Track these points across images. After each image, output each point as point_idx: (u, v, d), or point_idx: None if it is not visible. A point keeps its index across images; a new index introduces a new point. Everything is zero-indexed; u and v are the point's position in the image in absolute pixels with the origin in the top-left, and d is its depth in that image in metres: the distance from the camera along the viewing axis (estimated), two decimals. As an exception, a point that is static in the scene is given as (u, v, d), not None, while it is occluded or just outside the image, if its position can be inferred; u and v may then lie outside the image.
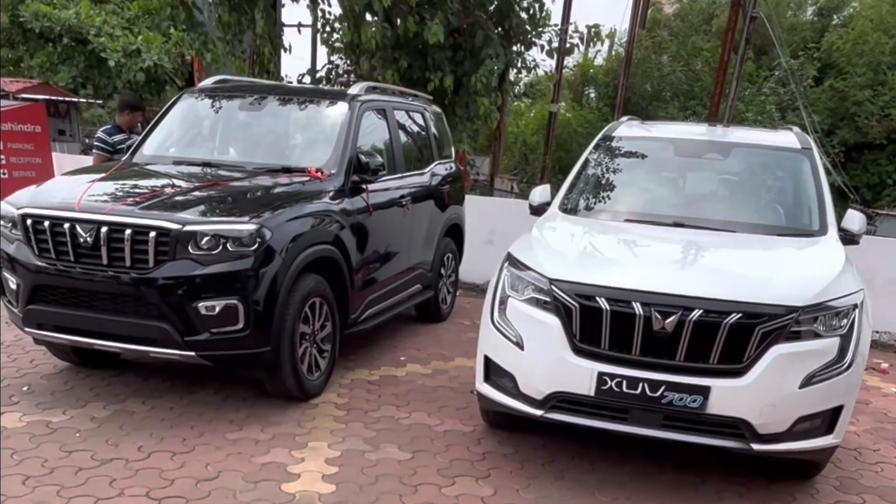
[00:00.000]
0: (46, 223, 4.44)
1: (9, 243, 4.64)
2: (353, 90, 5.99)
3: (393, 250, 6.01)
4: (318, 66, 16.96)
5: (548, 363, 3.80)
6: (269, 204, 4.63)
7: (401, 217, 6.14)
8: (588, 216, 4.65)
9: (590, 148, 5.21)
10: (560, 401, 3.81)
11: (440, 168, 7.09)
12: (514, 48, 11.69)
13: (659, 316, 3.57)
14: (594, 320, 3.69)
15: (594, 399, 3.72)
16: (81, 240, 4.36)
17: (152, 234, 4.28)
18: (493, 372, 4.12)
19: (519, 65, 12.23)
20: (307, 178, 5.13)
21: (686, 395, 3.58)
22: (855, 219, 4.49)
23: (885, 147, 16.16)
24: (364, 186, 5.50)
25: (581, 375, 3.71)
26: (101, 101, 20.84)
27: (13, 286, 4.64)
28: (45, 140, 11.16)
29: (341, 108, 5.74)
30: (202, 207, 4.46)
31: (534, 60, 12.37)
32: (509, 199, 9.84)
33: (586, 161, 5.09)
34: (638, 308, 3.59)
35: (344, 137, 5.50)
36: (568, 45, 13.28)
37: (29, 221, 4.50)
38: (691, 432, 3.67)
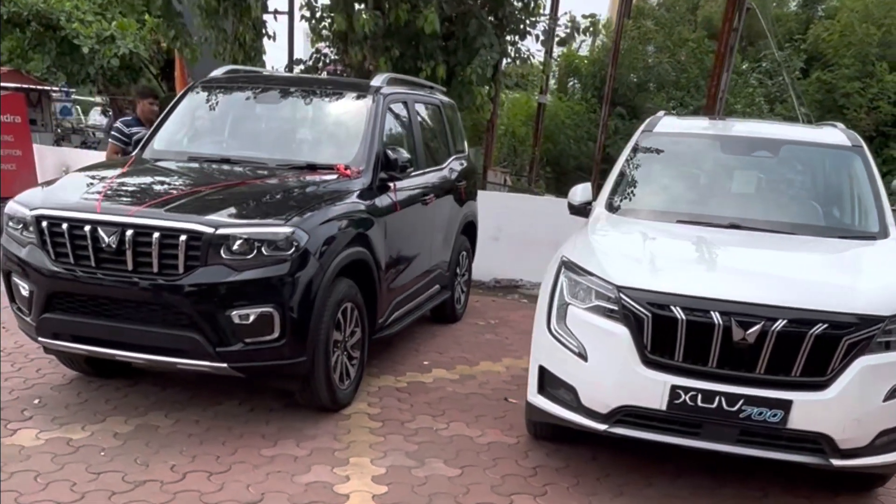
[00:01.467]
0: (64, 226, 4.13)
1: (20, 246, 4.32)
2: (376, 82, 5.72)
3: (417, 250, 5.78)
4: (296, 55, 16.61)
5: (615, 376, 3.60)
6: (303, 205, 4.37)
7: (424, 215, 5.90)
8: (638, 217, 4.43)
9: (631, 144, 4.99)
10: (627, 415, 3.61)
11: (456, 163, 6.85)
12: (508, 38, 11.48)
13: (740, 326, 3.37)
14: (667, 330, 3.48)
15: (665, 413, 3.52)
16: (104, 244, 4.05)
17: (183, 237, 3.99)
18: (549, 383, 3.91)
19: (513, 55, 12.01)
20: (336, 176, 4.86)
21: (766, 410, 3.40)
22: None
23: (873, 139, 16.24)
24: (392, 184, 5.25)
25: (652, 389, 3.51)
26: (74, 90, 20.18)
27: (25, 293, 4.32)
28: (25, 131, 10.73)
29: (365, 100, 5.47)
30: (234, 209, 4.18)
31: (528, 50, 12.17)
32: (514, 195, 9.65)
33: (630, 158, 4.87)
34: (717, 318, 3.40)
35: (370, 132, 5.24)
36: (564, 35, 13.09)
37: (44, 224, 4.18)
38: (768, 448, 3.49)
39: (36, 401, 4.58)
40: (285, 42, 14.24)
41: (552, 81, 17.75)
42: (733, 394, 3.42)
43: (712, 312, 3.42)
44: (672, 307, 3.47)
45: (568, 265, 3.93)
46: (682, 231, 4.24)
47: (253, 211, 4.21)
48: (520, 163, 17.86)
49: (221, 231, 4.01)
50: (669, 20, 20.06)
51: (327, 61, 11.78)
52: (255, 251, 4.05)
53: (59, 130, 21.49)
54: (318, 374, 4.40)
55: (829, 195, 4.65)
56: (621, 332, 3.57)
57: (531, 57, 13.41)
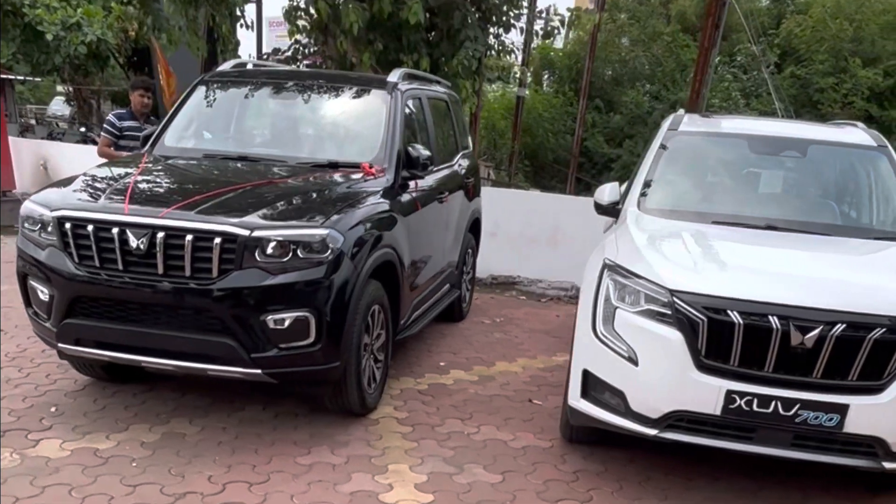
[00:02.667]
0: (90, 227, 3.96)
1: (38, 249, 4.14)
2: (393, 78, 5.61)
3: (434, 249, 5.71)
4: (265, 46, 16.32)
5: (668, 381, 3.57)
6: (336, 205, 4.26)
7: (440, 213, 5.82)
8: (672, 218, 4.40)
9: (657, 143, 4.94)
10: (678, 420, 3.58)
11: (464, 160, 6.79)
12: (492, 30, 11.41)
13: (798, 331, 3.36)
14: (723, 335, 3.46)
15: (718, 418, 3.50)
16: (133, 247, 3.90)
17: (217, 240, 3.86)
18: (594, 388, 3.87)
19: (498, 48, 11.94)
20: (361, 175, 4.76)
21: (822, 414, 3.40)
22: None
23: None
24: (413, 182, 5.16)
25: (706, 393, 3.49)
26: (39, 79, 19.61)
27: (44, 297, 4.15)
28: (1, 123, 10.39)
29: (382, 96, 5.36)
30: (267, 211, 4.05)
31: (513, 43, 12.12)
32: (512, 191, 9.61)
33: (657, 157, 4.83)
34: (775, 322, 3.38)
35: (391, 130, 5.14)
36: (550, 28, 13.08)
37: (68, 225, 4.01)
38: (821, 452, 3.50)
39: (53, 409, 4.41)
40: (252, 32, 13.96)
41: (527, 75, 17.70)
42: (790, 398, 3.41)
43: (770, 317, 3.40)
44: (729, 311, 3.45)
45: (612, 268, 3.88)
46: (723, 233, 4.22)
47: (287, 212, 4.09)
48: (499, 156, 17.82)
49: (257, 233, 3.89)
50: (644, 13, 20.17)
51: (307, 52, 11.58)
52: (290, 254, 3.94)
53: (22, 121, 20.88)
54: (349, 379, 4.30)
55: (858, 196, 4.68)
56: (674, 336, 3.54)
57: (515, 50, 13.39)
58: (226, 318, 3.91)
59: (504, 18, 11.25)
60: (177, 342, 4.00)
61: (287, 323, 3.95)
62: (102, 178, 4.54)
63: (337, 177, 4.70)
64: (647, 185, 4.73)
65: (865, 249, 4.14)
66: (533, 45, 17.24)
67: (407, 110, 5.45)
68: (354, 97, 5.53)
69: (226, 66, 5.98)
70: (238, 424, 4.36)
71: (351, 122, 5.45)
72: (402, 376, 5.29)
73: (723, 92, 16.30)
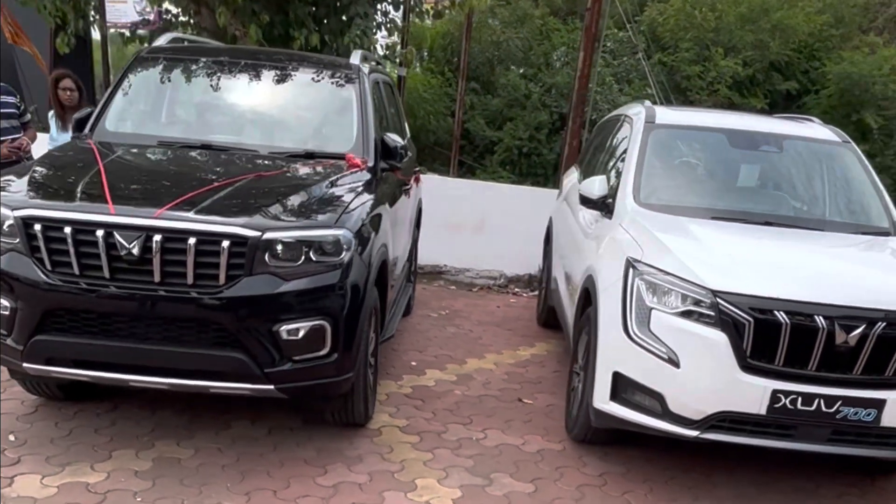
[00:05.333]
0: (67, 230, 3.43)
1: None
2: (355, 60, 5.27)
3: (402, 243, 5.45)
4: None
5: (712, 382, 3.55)
6: (339, 202, 3.93)
7: (406, 205, 5.57)
8: (672, 213, 4.38)
9: (637, 136, 4.88)
10: (721, 420, 3.58)
11: (409, 147, 6.52)
12: (380, 7, 11.12)
13: (843, 330, 3.43)
14: (769, 335, 3.48)
15: (762, 417, 3.53)
16: (124, 251, 3.42)
17: (225, 243, 3.45)
18: (625, 390, 3.80)
19: (387, 25, 11.66)
20: (346, 167, 4.43)
21: (861, 410, 3.50)
22: None
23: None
24: (393, 174, 4.89)
25: (752, 394, 3.50)
26: None
27: (2, 311, 3.56)
28: None
29: (350, 81, 5.03)
30: (273, 209, 3.68)
31: (403, 21, 11.88)
32: (434, 176, 9.34)
33: (642, 150, 4.78)
34: (821, 322, 3.43)
35: (364, 117, 4.83)
36: (441, 8, 12.91)
37: (37, 227, 3.45)
38: (856, 445, 3.61)
39: (11, 437, 3.83)
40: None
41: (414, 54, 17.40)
42: (832, 395, 3.48)
43: (816, 317, 3.45)
44: (776, 312, 3.46)
45: (641, 267, 3.80)
46: (734, 229, 4.24)
47: (295, 211, 3.74)
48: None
49: (269, 235, 3.51)
50: (515, -5, 20.39)
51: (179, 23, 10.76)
52: (303, 257, 3.59)
53: None
54: (357, 390, 4.02)
55: (836, 190, 4.86)
56: (719, 337, 3.52)
57: (407, 28, 13.12)
58: (236, 330, 3.52)
59: (393, -5, 10.99)
60: (176, 358, 3.55)
61: (301, 333, 3.60)
62: (60, 171, 3.97)
63: (324, 169, 4.35)
64: (637, 178, 4.67)
65: (870, 245, 4.30)
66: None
67: (371, 96, 5.14)
68: (318, 80, 5.13)
69: (162, 41, 5.41)
70: (232, 444, 3.96)
71: (320, 109, 5.07)
72: (382, 379, 5.01)
73: (597, 77, 16.67)
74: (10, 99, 6.06)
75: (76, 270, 3.46)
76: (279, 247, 3.53)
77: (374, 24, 10.63)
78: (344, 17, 9.66)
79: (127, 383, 3.68)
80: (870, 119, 15.46)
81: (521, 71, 18.58)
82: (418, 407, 4.64)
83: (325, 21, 9.68)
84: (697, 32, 17.22)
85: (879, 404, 3.50)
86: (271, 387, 3.62)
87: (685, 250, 3.87)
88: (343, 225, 3.74)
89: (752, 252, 4.02)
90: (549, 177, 16.04)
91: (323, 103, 5.07)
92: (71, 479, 3.48)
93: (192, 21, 9.95)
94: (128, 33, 10.40)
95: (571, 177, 6.64)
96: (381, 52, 12.13)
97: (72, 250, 3.44)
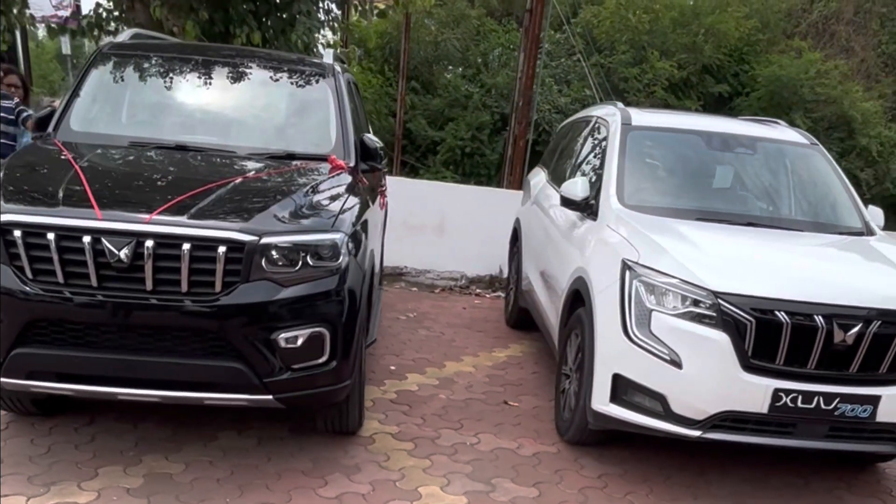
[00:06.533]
0: (50, 236, 3.23)
1: None
2: (328, 59, 5.16)
3: (378, 245, 5.35)
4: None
5: (715, 382, 3.58)
6: (331, 205, 3.83)
7: (379, 208, 5.47)
8: (658, 214, 4.40)
9: (616, 138, 4.88)
10: (723, 420, 3.61)
11: (377, 147, 6.42)
12: (323, 6, 10.97)
13: (841, 329, 3.50)
14: (771, 335, 3.53)
15: (765, 416, 3.58)
16: (113, 259, 3.24)
17: (221, 249, 3.30)
18: (625, 392, 3.80)
19: (330, 23, 11.51)
20: (331, 169, 4.32)
21: (857, 406, 3.58)
22: (879, 216, 4.77)
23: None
24: (373, 176, 4.79)
25: (754, 393, 3.55)
26: None
27: (-23, 323, 3.34)
28: None
29: (325, 80, 4.93)
30: (268, 213, 3.54)
31: (347, 19, 11.76)
32: (392, 178, 9.20)
33: (622, 152, 4.79)
34: (820, 321, 3.50)
35: (343, 117, 4.74)
36: (384, 8, 12.83)
37: (17, 233, 3.24)
38: (852, 441, 3.70)
39: (-15, 457, 3.59)
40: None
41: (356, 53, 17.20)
42: (830, 393, 3.56)
43: (816, 316, 3.51)
44: (777, 312, 3.51)
45: (639, 269, 3.81)
46: (722, 230, 4.29)
47: (291, 214, 3.61)
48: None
49: (267, 240, 3.38)
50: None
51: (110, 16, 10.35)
52: (300, 262, 3.47)
53: None
54: (353, 397, 3.92)
55: (809, 192, 4.97)
56: (721, 338, 3.55)
57: (352, 27, 12.96)
58: (234, 340, 3.37)
59: (337, -7, 10.85)
60: (169, 369, 3.38)
61: (300, 341, 3.47)
62: (34, 174, 3.74)
63: (309, 171, 4.23)
64: (620, 180, 4.68)
65: (852, 245, 4.41)
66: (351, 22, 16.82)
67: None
68: (293, 79, 5.00)
69: (124, 37, 5.18)
70: (223, 457, 3.80)
71: (296, 108, 4.93)
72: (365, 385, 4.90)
73: (535, 78, 16.79)
74: (7, 104, 5.81)
75: (60, 279, 3.27)
76: (277, 252, 3.41)
77: (318, 22, 10.47)
78: (286, 16, 9.47)
79: (115, 397, 3.48)
80: (799, 120, 15.98)
81: (460, 71, 18.62)
82: (406, 412, 4.55)
83: (267, 19, 9.46)
84: (632, 35, 17.54)
85: (875, 400, 3.58)
86: (270, 397, 3.49)
87: (681, 251, 3.89)
88: (339, 228, 3.64)
89: (745, 253, 4.07)
90: (491, 176, 16.11)
91: (299, 103, 4.93)
92: (59, 499, 3.28)
93: (123, 16, 9.60)
94: (55, 27, 9.98)
95: (538, 178, 6.64)
96: (322, 51, 11.92)
97: (55, 257, 3.24)
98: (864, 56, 20.00)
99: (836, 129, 17.00)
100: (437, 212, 8.22)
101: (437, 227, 8.23)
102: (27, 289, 3.26)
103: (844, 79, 17.55)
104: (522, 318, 6.37)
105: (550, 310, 5.03)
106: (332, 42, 12.73)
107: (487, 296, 7.84)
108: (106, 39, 10.03)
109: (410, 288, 7.89)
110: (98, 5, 9.71)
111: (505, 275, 7.94)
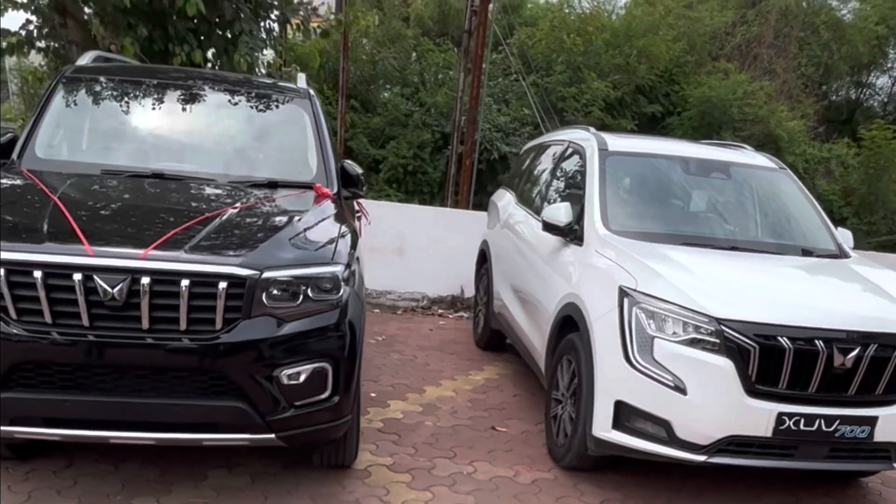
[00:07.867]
0: (37, 274, 3.03)
1: None
2: (302, 83, 5.06)
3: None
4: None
5: (721, 407, 3.60)
6: (327, 236, 3.72)
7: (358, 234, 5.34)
8: (645, 239, 4.40)
9: (594, 163, 4.88)
10: (728, 444, 3.63)
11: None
12: (264, 25, 10.81)
13: (840, 353, 3.57)
14: (773, 360, 3.57)
15: (768, 439, 3.61)
16: (107, 297, 3.06)
17: (222, 285, 3.16)
18: (628, 418, 3.78)
19: (272, 43, 11.34)
20: (316, 197, 4.21)
21: (857, 427, 3.66)
22: (849, 238, 4.91)
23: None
24: (355, 203, 4.69)
25: (758, 417, 3.58)
26: None
27: (-47, 367, 3.10)
28: None
29: (301, 105, 4.85)
30: (266, 246, 3.41)
31: (291, 38, 11.59)
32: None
33: (602, 177, 4.79)
34: (821, 346, 3.56)
35: (323, 143, 4.65)
36: (326, 27, 12.71)
37: (0, 272, 3.04)
38: (850, 461, 3.78)
39: (-43, 510, 3.33)
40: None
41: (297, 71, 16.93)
42: (831, 415, 3.62)
43: (817, 341, 3.57)
44: (779, 338, 3.56)
45: (638, 296, 3.80)
46: (711, 255, 4.33)
47: (286, 247, 3.48)
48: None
49: (268, 274, 3.25)
50: (385, 17, 20.33)
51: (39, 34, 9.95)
52: (301, 296, 3.35)
53: None
54: (351, 431, 3.80)
55: (783, 215, 5.08)
56: (724, 364, 3.58)
57: (286, 46, 12.79)
58: (236, 378, 3.23)
59: (277, 13, 10.70)
60: (166, 411, 3.21)
61: (303, 377, 3.36)
62: (8, 206, 3.49)
63: (296, 200, 4.11)
64: (603, 205, 4.67)
65: (834, 268, 4.51)
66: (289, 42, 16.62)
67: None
68: (269, 104, 4.87)
69: (85, 60, 4.95)
70: (217, 497, 3.62)
71: (274, 134, 4.80)
72: (344, 415, 4.77)
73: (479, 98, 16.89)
74: None
75: (48, 319, 3.07)
76: (278, 287, 3.28)
77: (261, 41, 10.28)
78: (229, 35, 9.25)
79: (107, 441, 3.31)
80: (729, 139, 16.46)
81: (399, 89, 18.57)
82: (397, 442, 4.44)
83: (207, 38, 9.21)
84: (567, 56, 17.84)
85: (872, 421, 3.66)
86: (272, 436, 3.35)
87: (677, 277, 3.91)
88: (338, 261, 3.54)
89: (739, 278, 4.12)
90: (434, 194, 16.08)
91: (277, 128, 4.81)
92: (50, 554, 3.07)
93: (55, 32, 9.21)
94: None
95: (505, 200, 6.62)
96: (263, 71, 11.72)
97: (42, 296, 3.05)
98: (786, 78, 20.79)
99: (764, 147, 17.50)
100: (396, 232, 8.11)
101: (397, 248, 8.13)
102: (12, 330, 3.05)
103: (769, 99, 18.21)
104: (494, 340, 6.34)
105: (534, 333, 5.00)
106: (271, 62, 12.52)
107: (450, 316, 7.79)
108: (35, 57, 9.64)
109: (373, 309, 7.75)
110: (28, 21, 9.30)
111: (467, 295, 7.91)
